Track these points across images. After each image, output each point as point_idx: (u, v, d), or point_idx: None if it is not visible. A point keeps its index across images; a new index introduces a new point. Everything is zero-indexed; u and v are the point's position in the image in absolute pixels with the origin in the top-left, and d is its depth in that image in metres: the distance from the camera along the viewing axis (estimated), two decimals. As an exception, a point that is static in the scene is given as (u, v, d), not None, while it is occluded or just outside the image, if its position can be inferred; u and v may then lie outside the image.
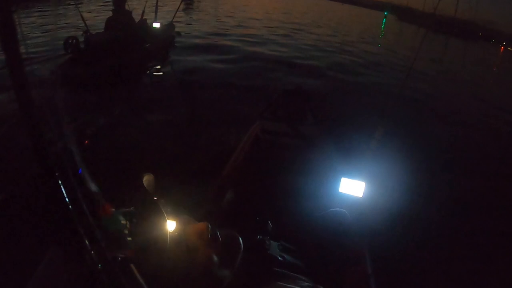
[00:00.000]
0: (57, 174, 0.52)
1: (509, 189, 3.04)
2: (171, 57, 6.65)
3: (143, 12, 6.10)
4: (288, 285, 0.59)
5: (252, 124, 2.91)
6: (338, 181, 1.75)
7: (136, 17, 5.99)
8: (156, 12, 6.66)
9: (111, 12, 5.40)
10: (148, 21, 6.32)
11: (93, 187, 0.60)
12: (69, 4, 9.01)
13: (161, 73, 5.67)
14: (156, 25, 6.38)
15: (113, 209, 1.00)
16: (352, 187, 1.73)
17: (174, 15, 7.07)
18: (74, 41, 4.56)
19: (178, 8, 7.16)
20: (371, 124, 2.11)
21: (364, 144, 2.01)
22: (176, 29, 7.49)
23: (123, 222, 0.80)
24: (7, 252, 1.84)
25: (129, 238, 0.57)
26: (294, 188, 1.92)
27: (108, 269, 0.47)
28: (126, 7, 5.57)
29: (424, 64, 8.70)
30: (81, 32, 5.03)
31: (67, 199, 0.51)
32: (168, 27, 7.03)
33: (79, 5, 8.04)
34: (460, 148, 3.92)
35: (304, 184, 1.94)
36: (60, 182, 0.51)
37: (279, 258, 0.70)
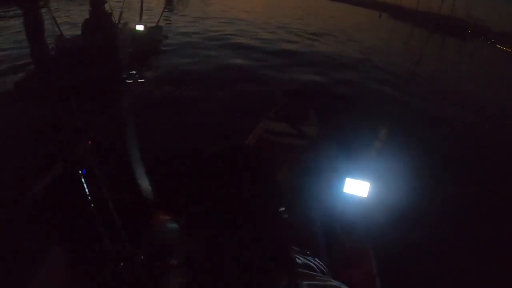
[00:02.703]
0: (80, 173, 0.53)
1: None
2: (156, 61, 6.13)
3: (121, 12, 5.55)
4: (317, 283, 0.59)
5: (256, 124, 2.92)
6: (343, 181, 1.76)
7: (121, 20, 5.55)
8: (141, 13, 6.23)
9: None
10: (132, 23, 5.86)
11: (146, 192, 0.60)
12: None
13: (143, 80, 5.13)
14: (140, 27, 5.84)
15: (167, 218, 0.95)
16: (356, 187, 1.73)
17: (160, 17, 6.66)
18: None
19: (163, 9, 6.77)
20: (375, 124, 2.11)
21: (368, 144, 2.01)
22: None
23: (175, 231, 0.76)
24: (10, 251, 1.86)
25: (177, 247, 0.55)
26: (299, 188, 1.92)
27: (130, 269, 0.47)
28: (107, 8, 5.00)
29: (428, 65, 8.63)
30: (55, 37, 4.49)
31: (89, 198, 0.52)
32: (154, 29, 6.56)
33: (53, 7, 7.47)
34: (465, 149, 3.91)
35: (309, 185, 1.95)
36: (83, 181, 0.52)
37: (297, 260, 0.69)
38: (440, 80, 8.05)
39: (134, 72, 5.38)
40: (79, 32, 4.90)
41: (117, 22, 5.41)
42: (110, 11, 5.14)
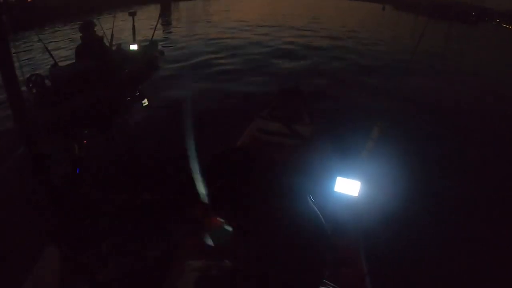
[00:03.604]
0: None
1: (506, 189, 3.03)
2: (154, 80, 5.98)
3: (112, 35, 5.45)
4: None
5: (249, 124, 2.92)
6: (334, 180, 1.76)
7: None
8: (134, 33, 6.14)
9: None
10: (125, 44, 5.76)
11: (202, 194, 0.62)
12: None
13: (146, 103, 5.01)
14: (134, 47, 5.75)
15: (222, 221, 1.03)
16: (347, 187, 1.73)
17: (153, 33, 6.50)
18: (37, 78, 3.97)
19: (156, 25, 6.56)
20: (367, 124, 2.11)
21: (360, 144, 2.01)
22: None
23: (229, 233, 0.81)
24: (5, 250, 1.85)
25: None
26: (290, 187, 1.92)
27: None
28: (100, 33, 4.98)
29: (424, 61, 8.53)
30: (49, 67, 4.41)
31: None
32: (149, 47, 6.43)
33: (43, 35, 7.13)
34: (456, 148, 3.90)
35: (300, 184, 1.94)
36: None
37: None
38: (439, 74, 7.91)
39: (131, 96, 5.30)
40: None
41: (108, 44, 5.31)
42: (101, 35, 5.05)
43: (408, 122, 4.38)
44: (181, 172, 2.83)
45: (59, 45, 8.55)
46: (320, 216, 1.16)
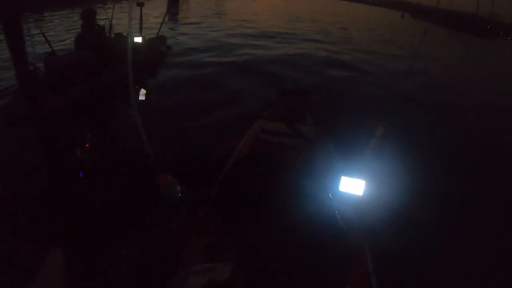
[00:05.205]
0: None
1: (510, 188, 3.03)
2: (158, 75, 5.76)
3: (111, 25, 5.17)
4: None
5: (251, 124, 2.92)
6: (338, 180, 1.76)
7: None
8: (140, 24, 5.90)
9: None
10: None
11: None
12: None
13: (145, 97, 4.80)
14: (138, 39, 5.46)
15: (170, 177, 1.08)
16: (352, 186, 1.74)
17: (160, 27, 6.38)
18: (31, 68, 3.60)
19: (163, 19, 6.43)
20: (371, 123, 2.11)
21: (364, 143, 2.01)
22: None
23: (179, 190, 0.85)
24: (11, 253, 1.85)
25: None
26: (294, 187, 1.92)
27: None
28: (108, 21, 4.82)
29: (429, 63, 8.51)
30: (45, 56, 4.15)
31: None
32: (155, 41, 6.24)
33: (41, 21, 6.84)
34: (460, 147, 3.89)
35: (305, 183, 1.95)
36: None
37: None
38: (445, 78, 7.93)
39: (134, 87, 5.23)
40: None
41: (109, 34, 5.15)
42: (103, 24, 4.89)
43: (412, 121, 4.38)
44: (184, 173, 2.83)
45: (55, 33, 8.31)
46: (336, 214, 1.16)
